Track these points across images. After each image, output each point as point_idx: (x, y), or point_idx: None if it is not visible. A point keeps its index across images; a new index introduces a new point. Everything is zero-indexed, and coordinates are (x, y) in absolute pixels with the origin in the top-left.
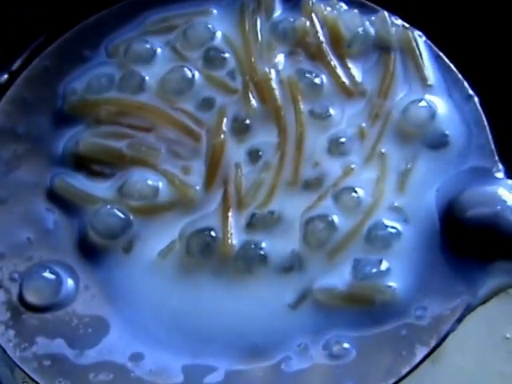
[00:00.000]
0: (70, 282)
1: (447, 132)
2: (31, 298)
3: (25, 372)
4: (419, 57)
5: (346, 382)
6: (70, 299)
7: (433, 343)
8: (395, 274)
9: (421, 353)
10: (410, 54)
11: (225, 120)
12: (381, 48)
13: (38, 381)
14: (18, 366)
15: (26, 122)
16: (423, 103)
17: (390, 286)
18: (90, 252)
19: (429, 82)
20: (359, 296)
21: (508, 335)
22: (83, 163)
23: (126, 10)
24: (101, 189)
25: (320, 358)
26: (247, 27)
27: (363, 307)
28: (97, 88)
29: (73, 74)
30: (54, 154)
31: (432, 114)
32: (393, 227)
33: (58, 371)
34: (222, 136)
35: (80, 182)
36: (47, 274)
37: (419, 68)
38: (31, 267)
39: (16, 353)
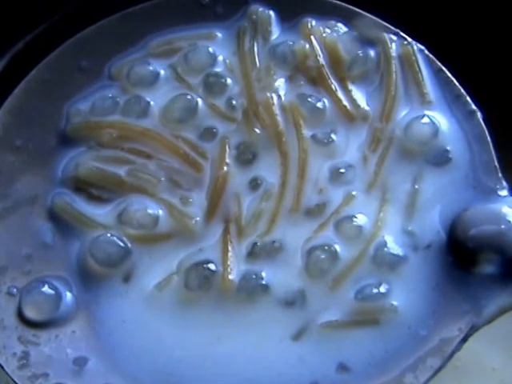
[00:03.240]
0: (69, 299)
1: (449, 148)
2: (30, 313)
3: None
4: (419, 73)
5: None
6: (68, 316)
7: (437, 364)
8: (399, 294)
9: (425, 374)
10: (410, 70)
11: (227, 151)
12: (382, 69)
13: None
14: (14, 382)
15: (25, 134)
16: (425, 120)
17: (392, 304)
18: (88, 276)
19: (428, 99)
20: (363, 318)
21: None
22: (82, 186)
23: (130, 30)
24: (100, 214)
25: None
26: (245, 53)
27: (368, 329)
28: (101, 110)
29: (72, 89)
30: (53, 171)
31: (435, 130)
32: (400, 250)
33: None
34: (226, 168)
35: (80, 205)
36: (46, 289)
37: (419, 85)
38: (30, 282)
39: (14, 370)
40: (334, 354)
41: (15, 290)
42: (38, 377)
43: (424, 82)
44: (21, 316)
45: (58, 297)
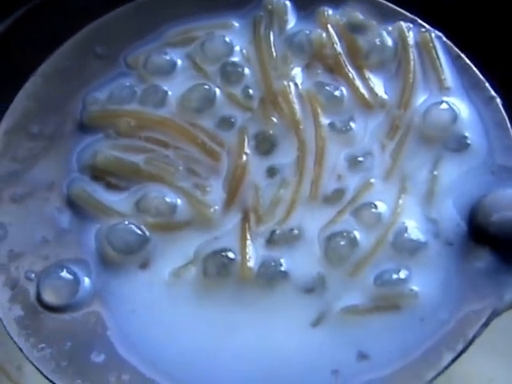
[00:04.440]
0: (87, 284)
1: (467, 134)
2: (49, 297)
3: (42, 373)
4: (437, 60)
5: None
6: (87, 301)
7: (459, 348)
8: (419, 279)
9: (447, 357)
10: (428, 57)
11: (246, 140)
12: (399, 57)
13: (56, 382)
14: (35, 366)
15: (42, 121)
16: (444, 106)
17: (412, 290)
18: (105, 262)
19: (446, 85)
20: (383, 304)
21: None
22: (100, 175)
23: (146, 19)
24: (118, 202)
25: (348, 372)
26: (262, 42)
27: (388, 315)
28: (118, 99)
29: (89, 77)
30: (70, 159)
31: (454, 116)
32: (420, 236)
33: (76, 372)
34: (245, 158)
35: (97, 193)
36: (64, 274)
37: (437, 71)
38: (48, 267)
39: (33, 353)
40: (353, 341)
41: (33, 274)
42: (55, 359)
43: (442, 68)
44: (39, 300)
45: (77, 282)
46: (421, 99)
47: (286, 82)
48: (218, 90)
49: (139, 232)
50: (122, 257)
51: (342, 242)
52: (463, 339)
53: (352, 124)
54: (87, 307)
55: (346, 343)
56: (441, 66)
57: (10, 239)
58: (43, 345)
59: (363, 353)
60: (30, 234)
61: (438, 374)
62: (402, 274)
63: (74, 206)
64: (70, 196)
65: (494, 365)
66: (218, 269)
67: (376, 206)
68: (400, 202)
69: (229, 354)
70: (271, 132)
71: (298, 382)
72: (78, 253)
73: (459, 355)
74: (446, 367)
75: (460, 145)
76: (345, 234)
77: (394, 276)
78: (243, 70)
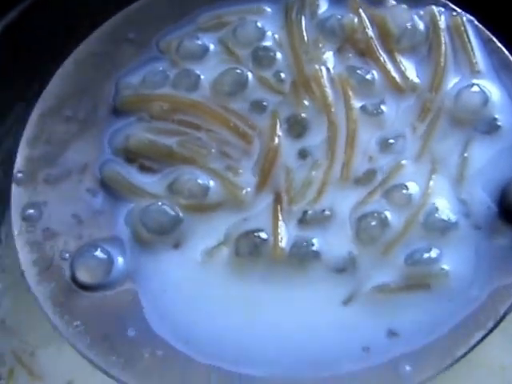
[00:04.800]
0: (120, 263)
1: (497, 116)
2: (83, 276)
3: (77, 349)
4: (468, 43)
5: (403, 366)
6: (120, 280)
7: (490, 325)
8: (449, 259)
9: (477, 334)
10: (459, 41)
11: (278, 123)
12: (431, 41)
13: (91, 357)
14: (69, 343)
15: (76, 105)
16: (475, 88)
17: (442, 269)
18: (138, 243)
19: (477, 69)
20: (414, 283)
21: None
22: (133, 157)
23: (179, 4)
24: (150, 184)
25: (379, 349)
26: (293, 26)
27: (418, 294)
28: (151, 84)
29: (122, 62)
30: (104, 142)
31: (485, 98)
32: (451, 216)
33: (110, 347)
34: (277, 140)
35: (131, 176)
36: (98, 253)
37: (468, 55)
38: (82, 246)
39: (68, 330)
40: (384, 319)
41: (68, 254)
42: (90, 336)
43: (473, 51)
44: (73, 279)
45: (110, 261)
46: (452, 82)
47: (317, 66)
48: (250, 74)
49: (172, 213)
50: (156, 237)
51: (373, 223)
52: (494, 316)
53: (383, 107)
54: (120, 286)
55: (376, 321)
56: (472, 49)
57: (45, 219)
58: (78, 322)
59: (393, 330)
60: (64, 215)
61: (468, 352)
62: (433, 253)
63: (108, 187)
64: (104, 178)
65: (507, 352)
66: (250, 249)
67: (407, 187)
68: (431, 183)
69: (260, 331)
70: (303, 115)
71: (330, 358)
72: (112, 233)
73: (489, 332)
74: (476, 344)
75: (490, 127)
76: (376, 214)
77: (425, 255)
78: (275, 54)
